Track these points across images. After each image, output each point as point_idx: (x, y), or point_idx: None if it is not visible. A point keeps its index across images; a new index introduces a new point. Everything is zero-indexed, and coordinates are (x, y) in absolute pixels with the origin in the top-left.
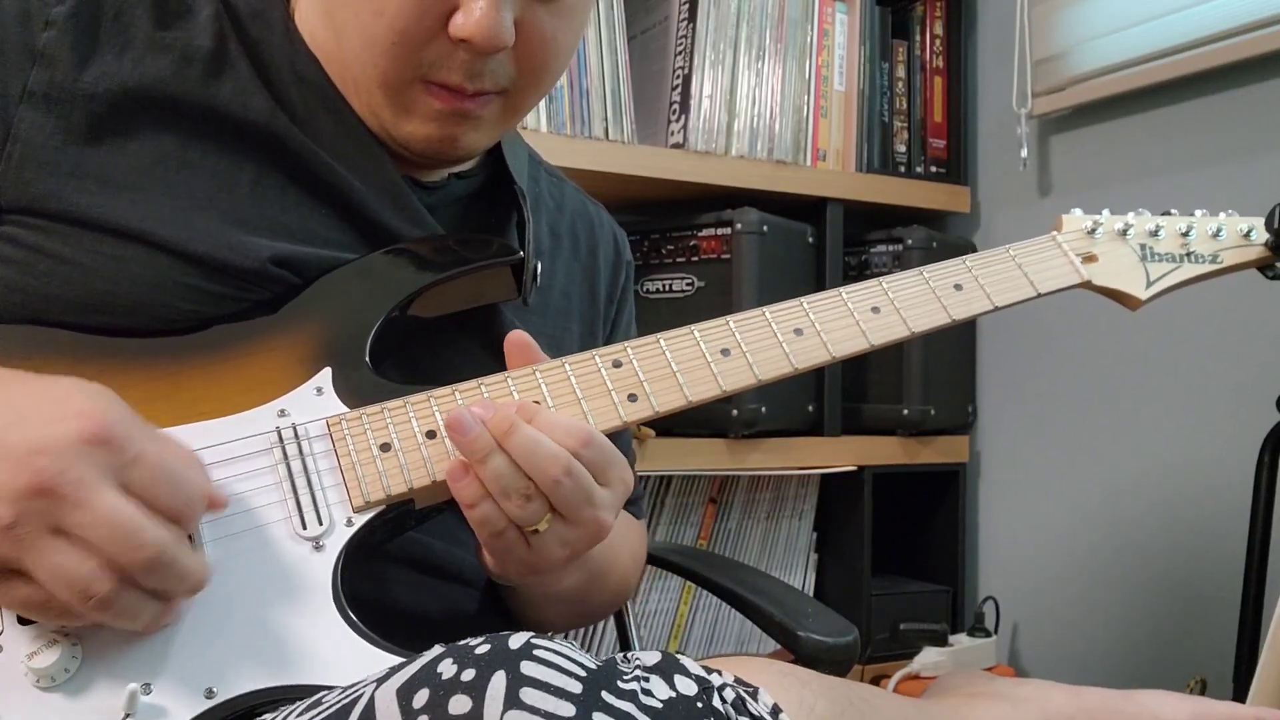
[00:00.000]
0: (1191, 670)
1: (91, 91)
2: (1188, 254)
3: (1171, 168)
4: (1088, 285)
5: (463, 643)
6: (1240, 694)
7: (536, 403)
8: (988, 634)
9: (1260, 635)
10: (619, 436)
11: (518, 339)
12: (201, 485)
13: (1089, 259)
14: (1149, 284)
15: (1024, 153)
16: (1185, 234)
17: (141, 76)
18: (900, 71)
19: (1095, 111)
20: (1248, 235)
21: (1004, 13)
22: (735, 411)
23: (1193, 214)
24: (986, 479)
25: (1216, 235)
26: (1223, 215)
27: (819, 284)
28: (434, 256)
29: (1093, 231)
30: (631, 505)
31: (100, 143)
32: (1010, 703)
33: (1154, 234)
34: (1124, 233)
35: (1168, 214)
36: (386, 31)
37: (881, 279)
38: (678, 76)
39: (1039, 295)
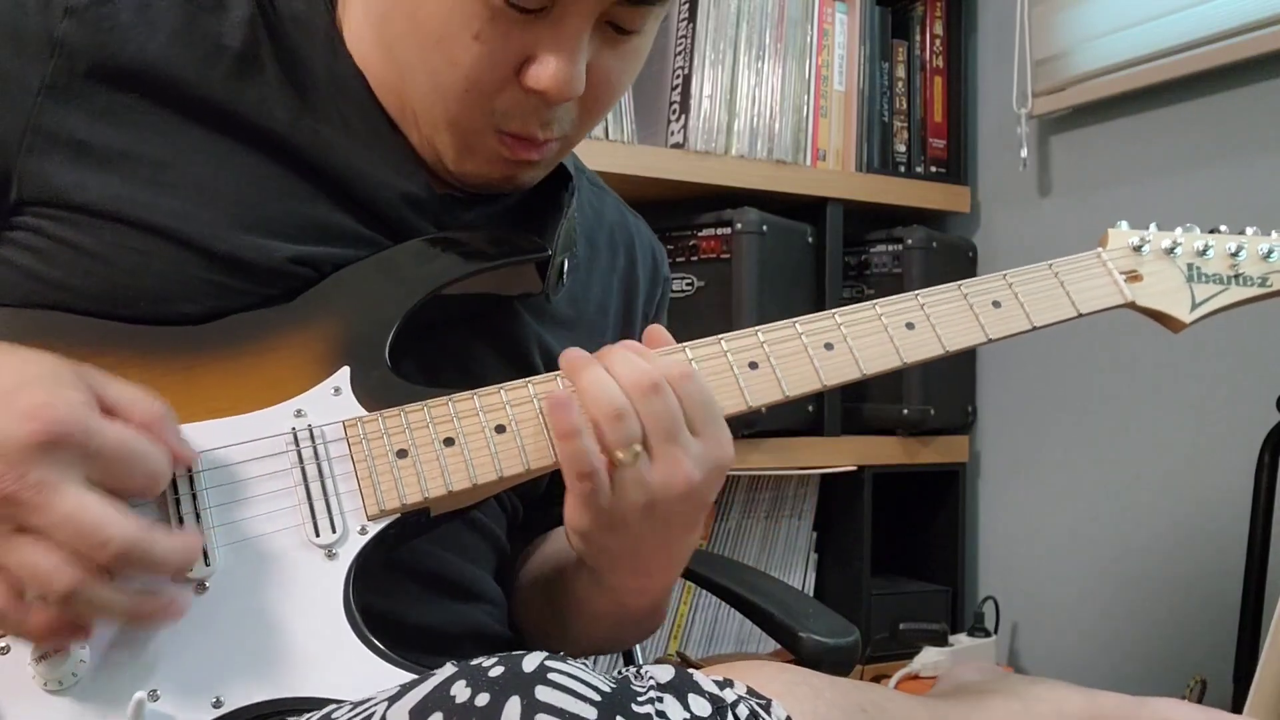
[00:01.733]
0: (1191, 670)
1: (115, 82)
2: (1236, 275)
3: (1171, 168)
4: (1131, 306)
5: (475, 663)
6: (1240, 695)
7: None
8: (988, 634)
9: (1260, 635)
10: None
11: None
12: (162, 453)
13: (1133, 278)
14: (1194, 306)
15: (1024, 153)
16: (1234, 254)
17: (167, 68)
18: (900, 71)
19: (1095, 111)
20: None
21: (1004, 13)
22: None
23: (1243, 232)
24: (986, 479)
25: (1268, 257)
26: (1275, 234)
27: (819, 284)
28: (457, 251)
29: (1139, 248)
30: None
31: (123, 135)
32: (1023, 702)
33: (1202, 253)
34: (1171, 251)
35: (1216, 231)
36: (460, 81)
37: (919, 293)
38: (678, 76)
39: (1080, 315)
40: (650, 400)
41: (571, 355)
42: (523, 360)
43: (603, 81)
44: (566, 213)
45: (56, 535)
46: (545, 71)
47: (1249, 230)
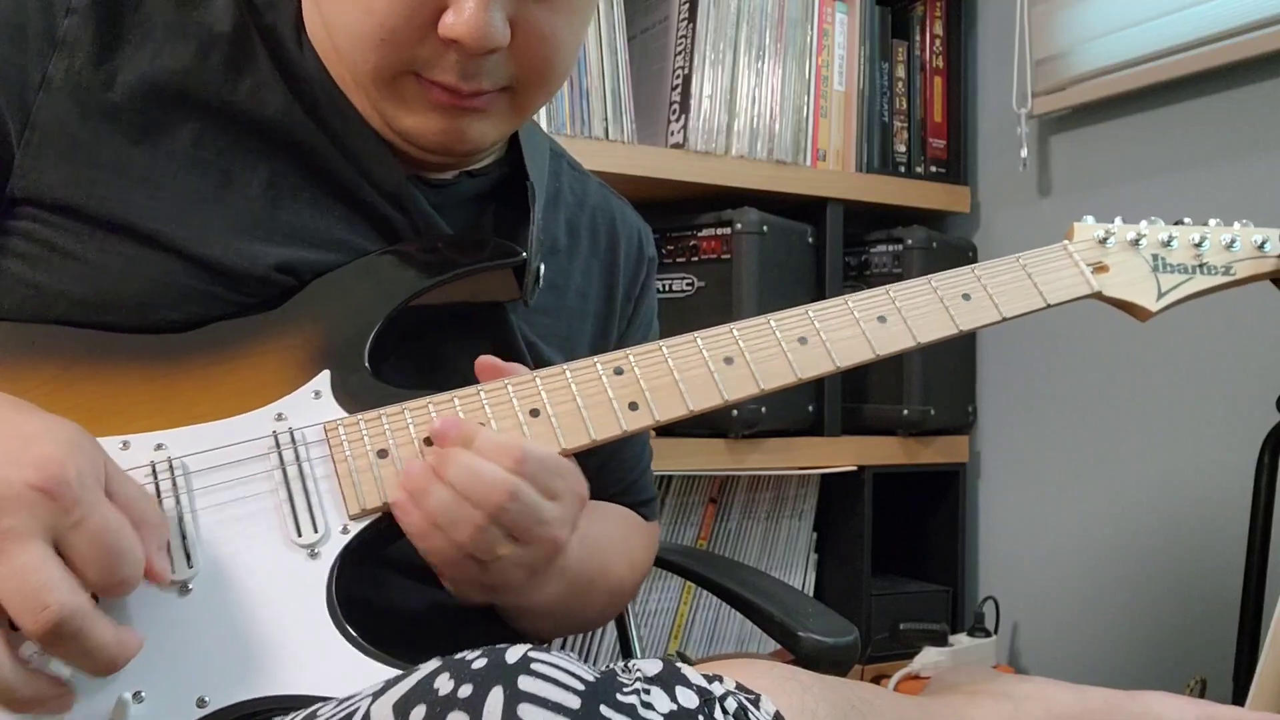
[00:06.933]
0: (1191, 670)
1: (110, 82)
2: (1200, 265)
3: (1171, 168)
4: (1098, 296)
5: (459, 656)
6: (1240, 694)
7: (483, 424)
8: (988, 634)
9: (1260, 635)
10: (636, 436)
11: (485, 364)
12: (140, 560)
13: (1100, 269)
14: (1160, 295)
15: (1024, 153)
16: (1198, 245)
17: (161, 68)
18: (900, 71)
19: (1095, 111)
20: (1262, 247)
21: (1004, 13)
22: (735, 412)
23: (1206, 224)
24: (986, 479)
25: (1230, 246)
26: (1237, 225)
27: (819, 284)
28: (434, 257)
29: (1104, 240)
30: (643, 507)
31: (115, 135)
32: (1013, 701)
33: (1166, 244)
34: (1136, 242)
35: (1181, 223)
36: (376, 29)
37: (889, 287)
38: (678, 76)
39: (1048, 306)
40: (506, 509)
41: (411, 480)
42: (510, 353)
43: (535, 34)
44: (535, 217)
45: (2, 586)
46: (459, 19)
47: (1212, 221)
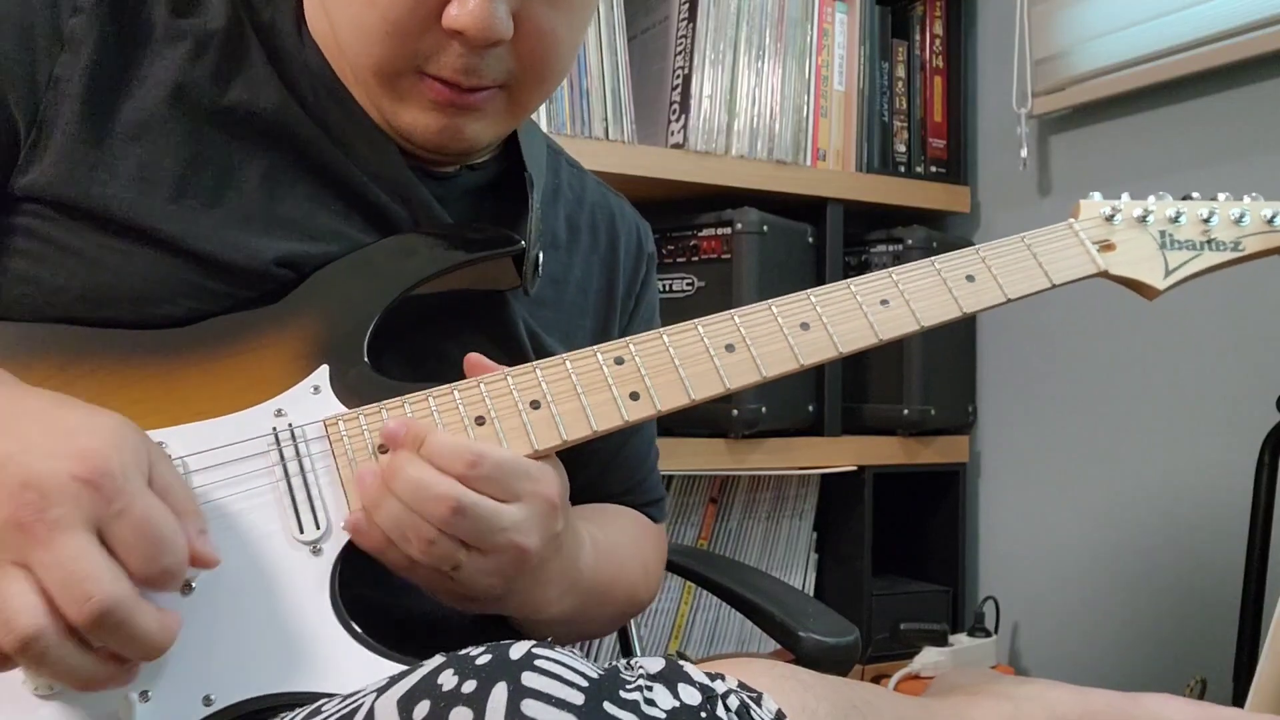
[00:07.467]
0: (1192, 671)
1: (112, 82)
2: (1209, 241)
3: (1171, 168)
4: (1104, 275)
5: (463, 652)
6: (1240, 694)
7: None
8: (988, 634)
9: (1260, 636)
10: (642, 431)
11: (473, 362)
12: (184, 549)
13: (1106, 247)
14: (1167, 273)
15: (1024, 153)
16: (1207, 220)
17: (158, 69)
18: (900, 71)
19: (1095, 111)
20: (1271, 221)
21: (1004, 13)
22: (735, 411)
23: (1215, 198)
24: (986, 479)
25: (1239, 221)
26: (1247, 199)
27: (819, 284)
28: (432, 247)
29: (1111, 218)
30: (650, 508)
31: (114, 133)
32: (1014, 702)
33: (1174, 220)
34: (1143, 219)
35: (1189, 198)
36: (379, 22)
37: (892, 270)
38: (678, 76)
39: (1053, 286)
40: (453, 523)
41: (365, 493)
42: (513, 344)
43: (535, 31)
44: (533, 205)
45: (47, 575)
46: (463, 10)
47: (1221, 196)
